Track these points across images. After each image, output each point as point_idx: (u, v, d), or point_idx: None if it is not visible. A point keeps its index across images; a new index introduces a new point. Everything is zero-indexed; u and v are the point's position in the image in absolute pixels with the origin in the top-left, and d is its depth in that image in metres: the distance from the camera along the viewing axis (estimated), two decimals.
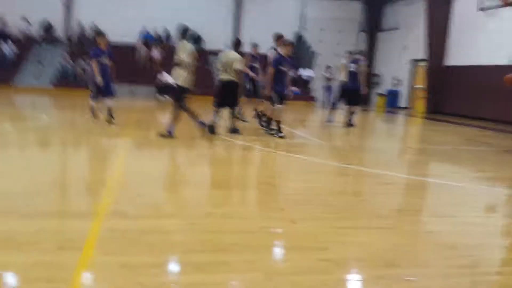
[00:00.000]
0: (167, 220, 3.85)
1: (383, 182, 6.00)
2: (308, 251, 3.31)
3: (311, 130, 12.01)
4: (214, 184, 5.52)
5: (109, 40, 9.82)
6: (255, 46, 11.55)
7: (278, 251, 3.44)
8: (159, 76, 18.13)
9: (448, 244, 3.65)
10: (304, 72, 23.11)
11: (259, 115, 10.61)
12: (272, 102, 9.12)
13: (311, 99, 22.44)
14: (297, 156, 7.64)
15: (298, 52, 22.12)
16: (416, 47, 21.23)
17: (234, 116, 9.42)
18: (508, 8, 15.35)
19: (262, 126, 9.56)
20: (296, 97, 15.21)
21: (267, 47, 12.03)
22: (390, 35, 24.63)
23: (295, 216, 4.16)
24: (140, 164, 6.47)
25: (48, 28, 22.28)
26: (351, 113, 12.11)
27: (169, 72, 8.35)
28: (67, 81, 20.40)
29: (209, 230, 3.63)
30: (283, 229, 3.80)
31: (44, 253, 2.98)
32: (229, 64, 9.01)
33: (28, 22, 22.04)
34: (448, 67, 19.42)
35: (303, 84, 22.62)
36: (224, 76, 9.14)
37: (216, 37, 23.82)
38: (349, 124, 11.98)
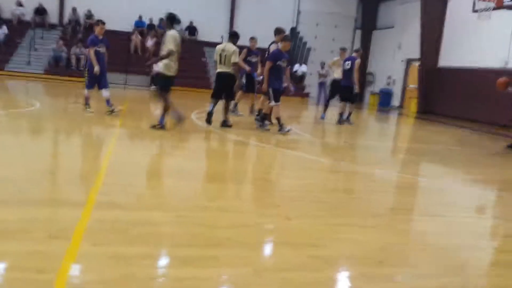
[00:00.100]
0: (158, 212, 3.82)
1: (375, 180, 6.02)
2: (300, 248, 3.30)
3: (304, 127, 11.99)
4: (207, 178, 5.49)
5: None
6: (253, 39, 11.47)
7: (270, 247, 3.42)
8: (154, 66, 17.98)
9: (440, 244, 3.67)
10: (299, 68, 23.05)
11: (256, 111, 10.53)
12: (269, 98, 9.04)
13: (306, 95, 22.42)
14: (290, 152, 7.64)
15: (292, 47, 22.07)
16: (411, 47, 21.27)
17: (227, 110, 9.36)
18: (501, 11, 15.41)
19: (258, 120, 9.51)
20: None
21: (261, 40, 11.95)
22: (385, 34, 24.66)
23: (289, 212, 4.15)
24: (132, 154, 6.43)
25: (42, 13, 22.01)
26: (348, 111, 12.15)
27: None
28: (60, 67, 20.21)
29: (201, 224, 3.60)
30: (277, 225, 3.80)
31: (34, 243, 2.94)
32: (227, 56, 8.98)
33: (22, 5, 21.78)
34: (441, 68, 19.48)
35: (298, 80, 22.59)
36: (220, 69, 9.11)
37: (211, 29, 23.74)
38: (342, 121, 11.97)
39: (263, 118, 9.39)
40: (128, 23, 21.88)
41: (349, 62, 11.85)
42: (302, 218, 3.99)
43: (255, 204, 4.55)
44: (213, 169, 6.00)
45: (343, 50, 12.22)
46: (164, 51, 7.90)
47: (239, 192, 4.98)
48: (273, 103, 8.96)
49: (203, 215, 3.85)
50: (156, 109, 8.27)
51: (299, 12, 25.41)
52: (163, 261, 2.98)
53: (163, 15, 21.11)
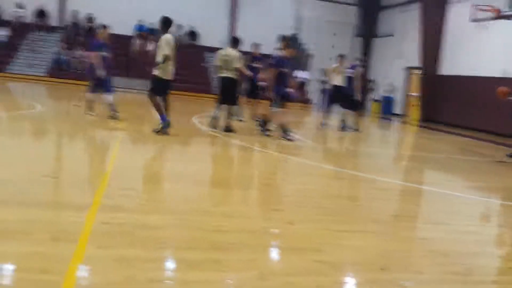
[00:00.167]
0: (162, 215, 3.82)
1: (377, 187, 6.01)
2: (304, 253, 3.30)
3: (306, 133, 12.00)
4: (210, 182, 5.48)
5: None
6: (256, 46, 11.49)
7: (274, 252, 3.42)
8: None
9: (442, 251, 3.66)
10: (300, 74, 23.10)
11: (258, 116, 10.53)
12: (272, 104, 9.02)
13: (307, 101, 22.44)
14: (292, 158, 7.65)
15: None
16: (411, 55, 21.30)
17: (230, 115, 9.35)
18: (500, 21, 15.47)
19: (260, 126, 9.51)
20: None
21: (261, 45, 11.98)
22: (385, 42, 24.72)
23: (292, 217, 4.15)
24: (136, 158, 6.44)
25: (42, 16, 22.06)
26: (353, 119, 12.22)
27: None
28: (61, 70, 20.23)
29: (205, 228, 3.60)
30: (280, 230, 3.80)
31: (38, 244, 2.94)
32: (229, 62, 8.99)
33: (22, 8, 21.81)
34: (441, 76, 19.53)
35: (299, 86, 22.62)
36: (223, 74, 9.12)
37: (212, 34, 23.78)
38: (344, 128, 12.01)
39: (264, 123, 9.39)
40: (128, 27, 21.90)
41: (351, 70, 11.98)
42: (305, 223, 4.00)
43: (258, 209, 4.55)
44: (216, 174, 6.00)
45: (341, 57, 12.23)
46: (159, 56, 7.85)
47: (243, 197, 4.98)
48: (274, 109, 8.94)
49: (207, 219, 3.84)
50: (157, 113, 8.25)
51: (299, 19, 25.48)
52: (168, 264, 2.98)
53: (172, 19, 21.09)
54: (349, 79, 11.94)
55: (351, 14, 26.18)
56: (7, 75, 19.15)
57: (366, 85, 24.38)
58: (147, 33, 22.30)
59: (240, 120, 11.35)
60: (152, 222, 3.60)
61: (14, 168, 4.85)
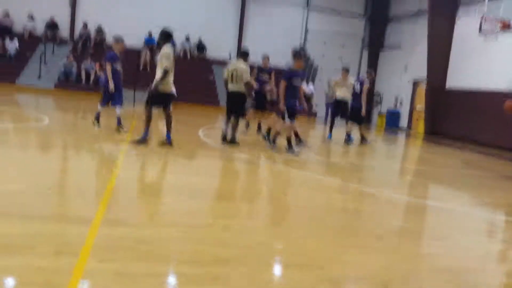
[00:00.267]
0: (165, 229, 3.84)
1: (382, 201, 6.00)
2: (306, 268, 3.29)
3: (311, 146, 11.97)
4: (214, 195, 5.49)
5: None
6: (266, 58, 11.58)
7: (276, 267, 3.41)
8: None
9: (445, 267, 3.65)
10: (305, 87, 23.13)
11: (265, 129, 10.53)
12: (282, 117, 9.00)
13: (313, 114, 22.47)
14: (297, 171, 7.65)
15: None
16: (418, 68, 21.33)
17: (236, 127, 9.36)
18: (508, 34, 15.47)
19: (265, 138, 9.52)
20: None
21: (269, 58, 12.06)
22: (392, 54, 24.77)
23: (295, 232, 4.16)
24: (139, 171, 6.47)
25: (53, 28, 22.34)
26: (359, 133, 12.26)
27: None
28: (69, 82, 20.42)
29: (207, 242, 3.61)
30: (283, 245, 3.79)
31: (41, 258, 2.96)
32: (238, 74, 9.03)
33: (33, 19, 22.11)
34: (448, 89, 19.50)
35: (305, 99, 22.64)
36: (232, 87, 9.16)
37: (220, 46, 23.99)
38: (348, 141, 12.04)
39: (269, 136, 9.40)
40: (138, 40, 22.14)
41: (358, 84, 12.09)
42: (308, 238, 3.99)
43: (261, 223, 4.54)
44: (219, 187, 6.02)
45: (345, 70, 12.24)
46: (159, 70, 7.89)
47: (246, 210, 4.98)
48: (288, 121, 8.92)
49: (209, 233, 3.86)
50: (163, 126, 8.31)
51: (306, 31, 25.62)
52: (169, 279, 2.98)
53: (174, 33, 21.29)
54: (357, 93, 12.05)
55: (359, 26, 26.32)
56: (16, 86, 19.36)
57: (372, 98, 24.44)
58: (156, 46, 22.46)
59: (246, 130, 11.44)
60: (154, 235, 3.61)
61: (19, 181, 4.89)
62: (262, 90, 11.28)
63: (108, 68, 9.22)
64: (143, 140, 8.04)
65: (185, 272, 3.02)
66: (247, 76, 9.07)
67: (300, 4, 25.44)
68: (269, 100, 11.57)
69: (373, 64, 25.54)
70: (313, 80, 23.38)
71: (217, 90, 22.32)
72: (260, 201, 5.55)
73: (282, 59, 20.65)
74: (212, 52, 24.09)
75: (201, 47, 24.05)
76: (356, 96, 12.10)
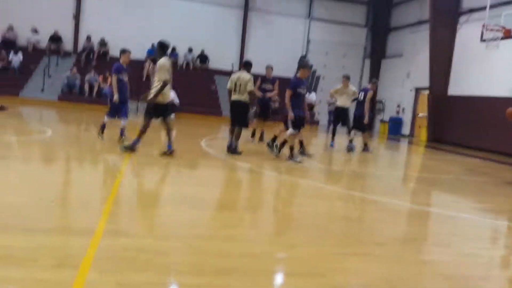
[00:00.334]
0: (166, 240, 3.85)
1: (384, 209, 6.00)
2: (308, 277, 3.30)
3: (313, 154, 12.01)
4: (215, 206, 5.50)
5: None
6: (269, 68, 11.66)
7: (278, 277, 3.41)
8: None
9: (447, 274, 3.65)
10: (309, 96, 23.17)
11: (270, 138, 10.54)
12: (286, 126, 9.05)
13: (315, 122, 22.52)
14: (298, 179, 7.66)
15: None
16: (420, 75, 21.38)
17: (238, 137, 9.39)
18: (510, 41, 15.48)
19: (269, 146, 9.55)
20: None
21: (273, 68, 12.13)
22: (394, 62, 24.84)
23: (296, 241, 4.16)
24: (141, 182, 6.50)
25: (57, 41, 22.52)
26: (363, 141, 12.30)
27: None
28: (73, 94, 20.54)
29: (208, 252, 3.61)
30: (284, 254, 3.80)
31: (43, 270, 2.97)
32: (242, 85, 9.10)
33: (37, 32, 22.30)
34: (451, 96, 19.50)
35: (308, 108, 22.70)
36: (235, 97, 9.23)
37: (222, 57, 24.10)
38: (351, 149, 12.05)
39: (273, 145, 9.44)
40: (141, 51, 22.27)
41: (362, 93, 12.18)
42: (310, 247, 4.00)
43: (263, 232, 4.55)
44: (221, 197, 6.03)
45: (346, 78, 12.28)
46: (156, 81, 7.97)
47: (247, 220, 4.99)
48: (291, 130, 8.96)
49: (210, 243, 3.86)
50: (165, 136, 8.36)
51: (308, 41, 25.74)
52: None
53: (177, 45, 21.31)
54: (361, 102, 12.11)
55: (360, 36, 26.43)
56: (20, 99, 19.48)
57: (375, 106, 24.47)
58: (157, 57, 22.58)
59: (254, 141, 11.50)
60: (155, 246, 3.63)
61: (22, 193, 4.92)
62: (265, 99, 11.34)
63: (114, 79, 9.26)
64: (132, 147, 8.10)
65: (187, 282, 3.02)
66: (251, 85, 9.14)
67: (302, 15, 25.59)
68: (272, 109, 11.62)
69: (375, 73, 25.62)
70: (315, 89, 23.42)
71: (220, 100, 22.40)
72: (262, 210, 5.56)
73: (284, 70, 20.82)
74: (215, 63, 24.21)
75: (203, 58, 24.17)
76: (359, 104, 12.17)
